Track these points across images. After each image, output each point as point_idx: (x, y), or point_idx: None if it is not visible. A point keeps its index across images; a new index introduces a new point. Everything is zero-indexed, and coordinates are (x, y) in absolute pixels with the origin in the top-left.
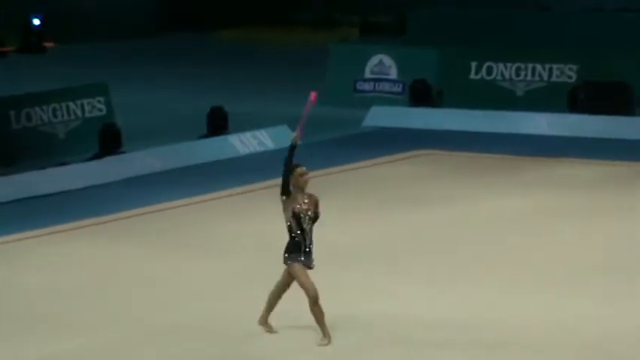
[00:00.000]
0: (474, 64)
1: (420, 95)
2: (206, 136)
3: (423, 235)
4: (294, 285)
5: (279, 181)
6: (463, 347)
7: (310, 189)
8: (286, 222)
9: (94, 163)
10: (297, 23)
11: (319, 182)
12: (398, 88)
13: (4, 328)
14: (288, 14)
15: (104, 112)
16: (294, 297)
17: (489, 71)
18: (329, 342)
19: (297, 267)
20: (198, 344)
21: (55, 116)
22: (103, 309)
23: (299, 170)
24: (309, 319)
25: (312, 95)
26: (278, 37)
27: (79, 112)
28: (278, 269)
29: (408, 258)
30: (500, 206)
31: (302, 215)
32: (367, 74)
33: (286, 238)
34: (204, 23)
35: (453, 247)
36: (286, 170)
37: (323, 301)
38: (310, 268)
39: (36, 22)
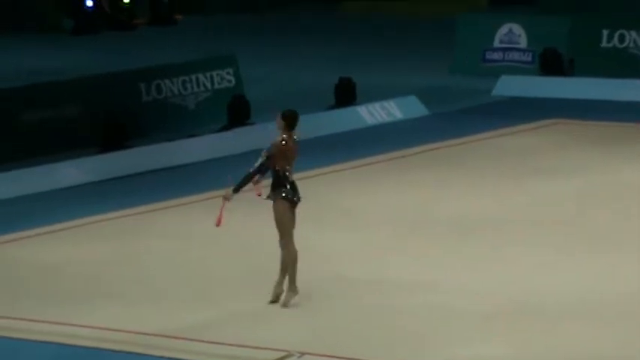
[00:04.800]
0: (605, 32)
1: (551, 64)
2: (334, 107)
3: (552, 205)
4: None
5: (406, 151)
6: (600, 319)
7: (438, 158)
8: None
9: (223, 135)
10: None
11: (448, 152)
12: (528, 58)
13: (130, 296)
14: None
15: (233, 83)
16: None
17: (621, 39)
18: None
19: (282, 205)
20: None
21: (185, 88)
22: (227, 280)
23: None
24: None
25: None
26: (405, 7)
27: (208, 84)
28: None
29: (537, 228)
30: (632, 176)
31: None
32: (496, 43)
33: None
34: None
35: (582, 218)
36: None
37: (448, 268)
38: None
39: None
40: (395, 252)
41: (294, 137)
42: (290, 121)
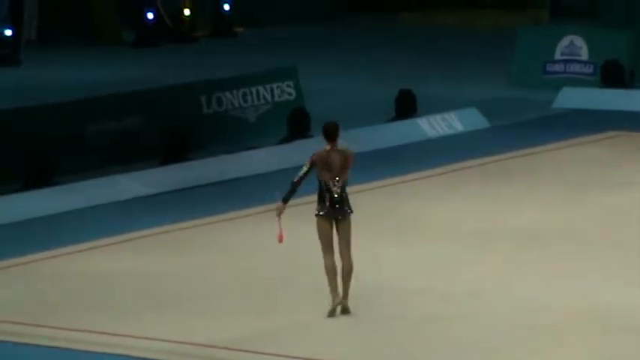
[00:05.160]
0: None
1: (612, 76)
2: (394, 119)
3: (614, 218)
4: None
5: (467, 163)
6: None
7: (500, 170)
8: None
9: (283, 147)
10: (484, 5)
11: (509, 165)
12: (589, 70)
13: (192, 307)
14: None
15: (293, 96)
16: None
17: None
18: (336, 305)
19: (318, 221)
20: None
21: (245, 101)
22: (287, 294)
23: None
24: None
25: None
26: (463, 19)
27: (268, 97)
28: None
29: (599, 242)
30: None
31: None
32: (557, 56)
33: None
34: (386, 5)
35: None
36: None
37: (511, 281)
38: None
39: (226, 7)
40: (456, 265)
41: (339, 148)
42: (326, 132)
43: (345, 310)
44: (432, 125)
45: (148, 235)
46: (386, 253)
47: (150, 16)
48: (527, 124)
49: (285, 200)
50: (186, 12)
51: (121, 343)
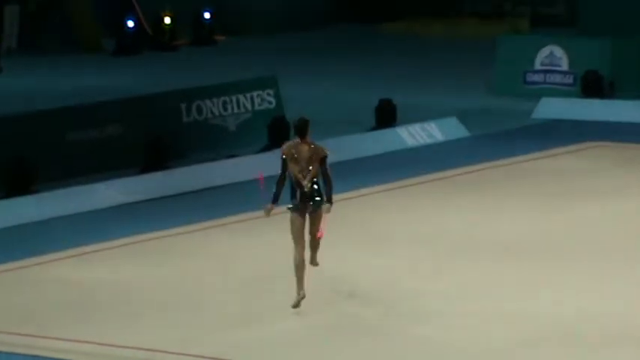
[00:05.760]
0: None
1: (592, 86)
2: (375, 128)
3: (593, 228)
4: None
5: (447, 173)
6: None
7: (480, 181)
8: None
9: (263, 156)
10: (464, 15)
11: (489, 174)
12: (569, 80)
13: (171, 316)
14: (454, 6)
15: (273, 104)
16: None
17: None
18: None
19: (290, 215)
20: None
21: (226, 109)
22: (269, 300)
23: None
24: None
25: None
26: (444, 29)
27: (249, 105)
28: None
29: (579, 252)
30: None
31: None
32: (537, 65)
33: None
34: (367, 16)
35: (623, 242)
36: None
37: (491, 293)
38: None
39: (207, 15)
40: (435, 276)
41: (310, 142)
42: (295, 128)
43: (314, 263)
44: (412, 134)
45: (127, 244)
46: (364, 263)
47: (130, 24)
48: (506, 134)
49: (274, 200)
50: (167, 20)
51: (97, 351)
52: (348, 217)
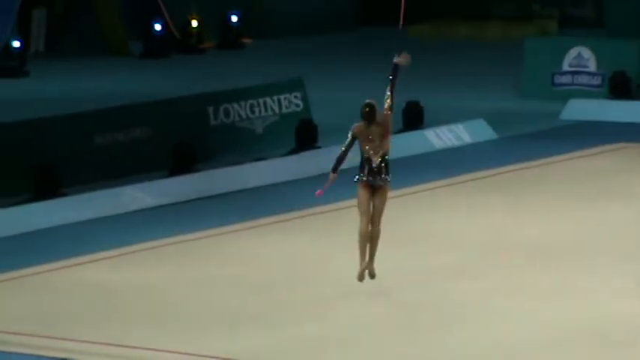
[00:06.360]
0: None
1: (620, 88)
2: (402, 130)
3: (620, 230)
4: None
5: (474, 175)
6: None
7: (509, 183)
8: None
9: (291, 158)
10: (493, 17)
11: (517, 176)
12: (597, 81)
13: (194, 320)
14: (482, 8)
15: (301, 107)
16: None
17: None
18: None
19: (358, 187)
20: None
21: (253, 112)
22: (291, 305)
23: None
24: None
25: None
26: (473, 31)
27: (276, 108)
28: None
29: (609, 254)
30: None
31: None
32: (565, 67)
33: None
34: (396, 18)
35: None
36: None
37: (519, 294)
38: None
39: (234, 18)
40: (463, 276)
41: (378, 123)
42: (364, 115)
43: (372, 275)
44: (440, 137)
45: (155, 247)
46: (393, 263)
47: (158, 27)
48: (534, 136)
49: (334, 170)
50: (194, 23)
51: (119, 353)
52: None
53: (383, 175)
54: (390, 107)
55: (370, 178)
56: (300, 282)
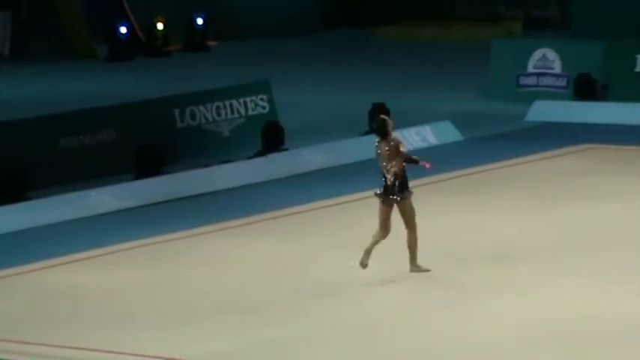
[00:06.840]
0: (639, 57)
1: (585, 89)
2: (368, 132)
3: (587, 230)
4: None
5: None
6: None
7: (475, 184)
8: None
9: (257, 161)
10: (458, 19)
11: (483, 178)
12: (562, 83)
13: (165, 322)
14: (447, 10)
15: (267, 109)
16: None
17: None
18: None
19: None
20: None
21: (219, 114)
22: (263, 306)
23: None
24: None
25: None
26: (438, 32)
27: (242, 110)
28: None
29: (575, 254)
30: None
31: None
32: (530, 69)
33: None
34: (361, 20)
35: (618, 244)
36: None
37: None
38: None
39: (199, 21)
40: (432, 278)
41: (389, 142)
42: (374, 130)
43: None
44: (406, 138)
45: (121, 250)
46: (357, 268)
47: (123, 30)
48: (500, 137)
49: (416, 161)
50: (160, 26)
51: (85, 357)
52: (340, 222)
53: (395, 195)
54: (399, 145)
55: (383, 195)
56: (271, 283)
